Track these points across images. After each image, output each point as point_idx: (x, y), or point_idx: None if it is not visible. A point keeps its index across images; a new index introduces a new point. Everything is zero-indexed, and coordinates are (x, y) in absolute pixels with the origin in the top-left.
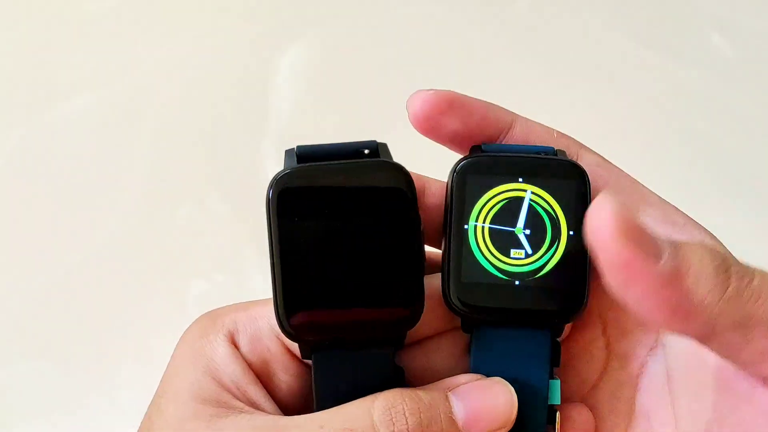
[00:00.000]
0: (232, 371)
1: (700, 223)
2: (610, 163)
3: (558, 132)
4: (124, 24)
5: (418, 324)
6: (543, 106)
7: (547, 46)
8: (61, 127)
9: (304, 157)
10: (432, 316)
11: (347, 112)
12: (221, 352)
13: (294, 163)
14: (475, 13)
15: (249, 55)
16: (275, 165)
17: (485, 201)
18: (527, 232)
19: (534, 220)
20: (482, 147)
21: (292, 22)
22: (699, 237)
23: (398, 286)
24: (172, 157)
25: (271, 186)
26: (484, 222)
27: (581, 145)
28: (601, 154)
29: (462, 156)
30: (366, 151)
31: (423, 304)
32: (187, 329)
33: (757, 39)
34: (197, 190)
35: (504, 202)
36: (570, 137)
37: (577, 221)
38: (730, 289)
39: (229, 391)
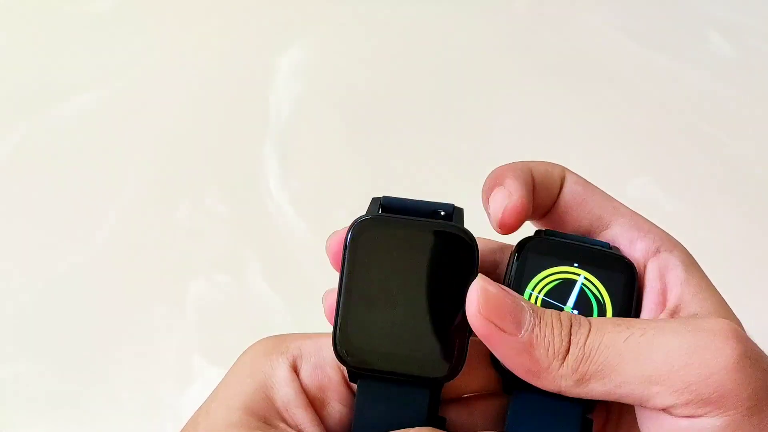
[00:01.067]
0: (285, 393)
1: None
2: (588, 182)
3: (550, 166)
4: (124, 24)
5: (466, 382)
6: (543, 107)
7: (546, 46)
8: (62, 126)
9: (387, 207)
10: (479, 375)
11: (347, 112)
12: (280, 373)
13: (377, 211)
14: (474, 13)
15: (249, 55)
16: (275, 165)
17: (542, 278)
18: (575, 312)
19: (583, 302)
20: (545, 231)
21: (292, 23)
22: (658, 244)
23: (444, 341)
24: (172, 157)
25: (351, 227)
26: (538, 294)
27: (565, 168)
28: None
29: (526, 237)
30: (442, 213)
31: (463, 363)
32: (251, 345)
33: (756, 39)
34: (197, 190)
35: (558, 282)
36: (555, 164)
37: (622, 309)
38: (568, 356)
39: (278, 410)
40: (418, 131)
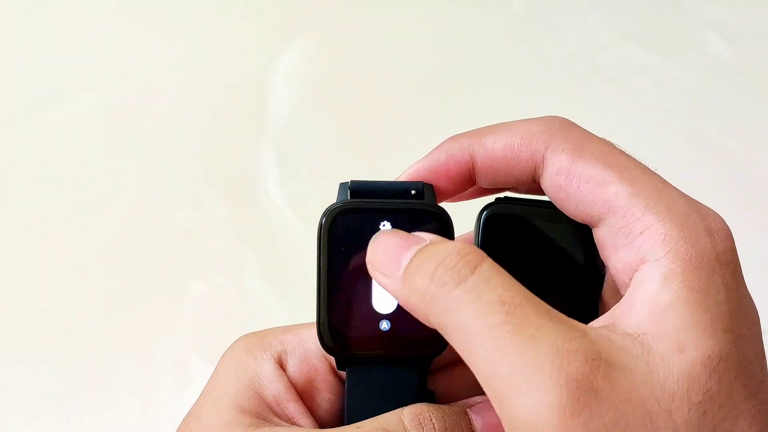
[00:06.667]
0: (275, 389)
1: None
2: (575, 165)
3: (519, 143)
4: (123, 25)
5: (447, 351)
6: (542, 108)
7: (545, 47)
8: (61, 127)
9: (356, 192)
10: None
11: (345, 113)
12: (267, 369)
13: (346, 197)
14: (472, 15)
15: (247, 56)
16: (273, 166)
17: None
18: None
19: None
20: (505, 197)
21: (291, 24)
22: (644, 253)
23: None
24: (171, 158)
25: (323, 216)
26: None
27: (551, 146)
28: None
29: (487, 203)
30: (413, 192)
31: None
32: (231, 345)
33: (755, 40)
34: (196, 191)
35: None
36: (536, 143)
37: (587, 260)
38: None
39: (269, 405)
40: (417, 133)
